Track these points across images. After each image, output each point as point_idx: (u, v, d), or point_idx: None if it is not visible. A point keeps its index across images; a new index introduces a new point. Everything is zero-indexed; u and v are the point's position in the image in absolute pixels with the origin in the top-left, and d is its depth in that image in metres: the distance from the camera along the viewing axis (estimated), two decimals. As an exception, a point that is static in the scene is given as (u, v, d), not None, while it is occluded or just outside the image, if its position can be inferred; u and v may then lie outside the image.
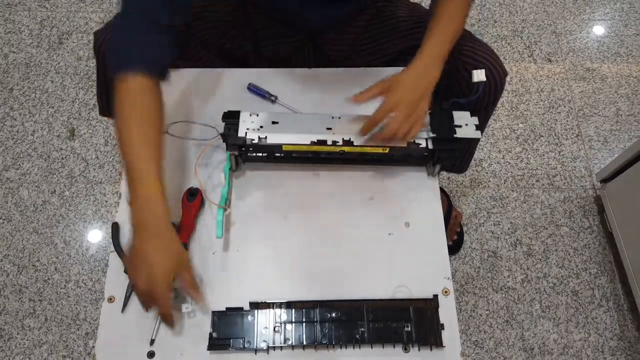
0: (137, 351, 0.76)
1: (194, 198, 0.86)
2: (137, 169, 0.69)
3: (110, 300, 0.80)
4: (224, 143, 0.85)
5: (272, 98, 0.97)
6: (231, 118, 0.86)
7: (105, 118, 1.61)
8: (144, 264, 0.66)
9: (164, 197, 0.69)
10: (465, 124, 0.85)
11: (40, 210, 1.47)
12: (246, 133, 0.85)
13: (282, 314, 0.78)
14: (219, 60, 1.04)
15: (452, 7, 0.88)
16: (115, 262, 0.82)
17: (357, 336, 0.77)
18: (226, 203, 0.84)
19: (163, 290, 0.66)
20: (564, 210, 1.51)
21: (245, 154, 0.88)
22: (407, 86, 0.82)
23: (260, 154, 0.87)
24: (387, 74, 1.00)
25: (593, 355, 1.31)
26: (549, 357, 1.30)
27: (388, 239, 0.86)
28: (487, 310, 1.36)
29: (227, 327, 0.77)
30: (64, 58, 1.75)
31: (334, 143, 0.85)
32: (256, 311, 0.78)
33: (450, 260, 0.85)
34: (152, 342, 0.76)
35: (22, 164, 1.55)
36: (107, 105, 1.10)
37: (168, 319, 0.70)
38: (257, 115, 0.87)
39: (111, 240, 0.83)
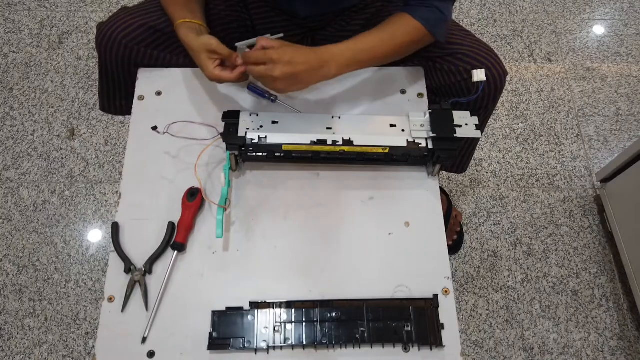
0: (137, 351, 0.76)
1: (194, 198, 0.86)
2: (171, 16, 0.92)
3: (110, 300, 0.80)
4: (224, 143, 0.85)
5: (272, 98, 0.97)
6: (231, 118, 0.86)
7: (106, 117, 1.61)
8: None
9: (187, 28, 0.89)
10: (465, 123, 0.85)
11: (40, 210, 1.47)
12: (246, 133, 0.85)
13: (282, 313, 0.78)
14: None
15: (395, 28, 0.89)
16: (115, 262, 0.82)
17: (357, 336, 0.77)
18: (226, 203, 0.84)
19: (203, 65, 0.85)
20: (564, 210, 1.51)
21: (245, 154, 0.88)
22: (304, 64, 0.80)
23: (260, 154, 0.87)
24: (386, 73, 1.00)
25: (593, 355, 1.31)
26: (549, 357, 1.30)
27: (388, 239, 0.86)
28: (487, 310, 1.36)
29: (227, 327, 0.77)
30: (64, 58, 1.75)
31: (334, 143, 0.85)
32: (256, 311, 0.78)
33: (450, 260, 0.85)
34: (144, 340, 0.77)
35: (22, 164, 1.55)
36: (108, 101, 1.09)
37: (215, 80, 0.86)
38: (257, 115, 0.87)
39: (111, 240, 0.83)
